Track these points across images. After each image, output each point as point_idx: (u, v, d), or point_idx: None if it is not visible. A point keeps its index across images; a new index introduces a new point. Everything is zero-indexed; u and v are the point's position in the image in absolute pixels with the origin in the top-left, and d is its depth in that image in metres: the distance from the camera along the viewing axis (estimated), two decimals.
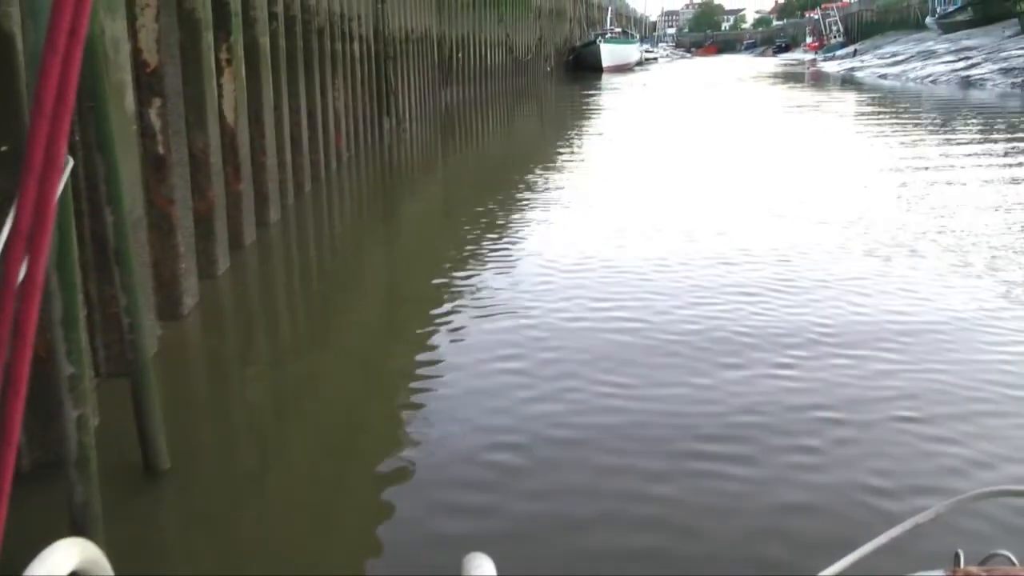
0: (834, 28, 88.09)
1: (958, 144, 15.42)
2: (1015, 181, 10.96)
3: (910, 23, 71.29)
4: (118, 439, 3.98)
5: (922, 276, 6.89)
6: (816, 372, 4.91)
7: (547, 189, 11.44)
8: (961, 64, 39.54)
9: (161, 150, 5.99)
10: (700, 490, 3.72)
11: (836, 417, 4.33)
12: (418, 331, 5.89)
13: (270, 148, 9.03)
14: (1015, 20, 45.81)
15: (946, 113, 22.28)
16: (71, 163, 3.16)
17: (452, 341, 5.58)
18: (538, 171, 13.25)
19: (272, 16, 9.53)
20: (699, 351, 5.27)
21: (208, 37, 7.18)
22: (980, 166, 12.34)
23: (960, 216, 8.97)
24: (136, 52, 5.74)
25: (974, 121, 19.81)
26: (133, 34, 5.71)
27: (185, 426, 4.39)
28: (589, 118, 23.92)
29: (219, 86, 7.60)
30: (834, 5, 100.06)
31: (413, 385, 4.93)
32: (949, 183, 10.87)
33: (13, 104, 3.80)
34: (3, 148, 3.80)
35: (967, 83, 34.96)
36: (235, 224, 7.78)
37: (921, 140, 15.98)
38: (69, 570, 0.89)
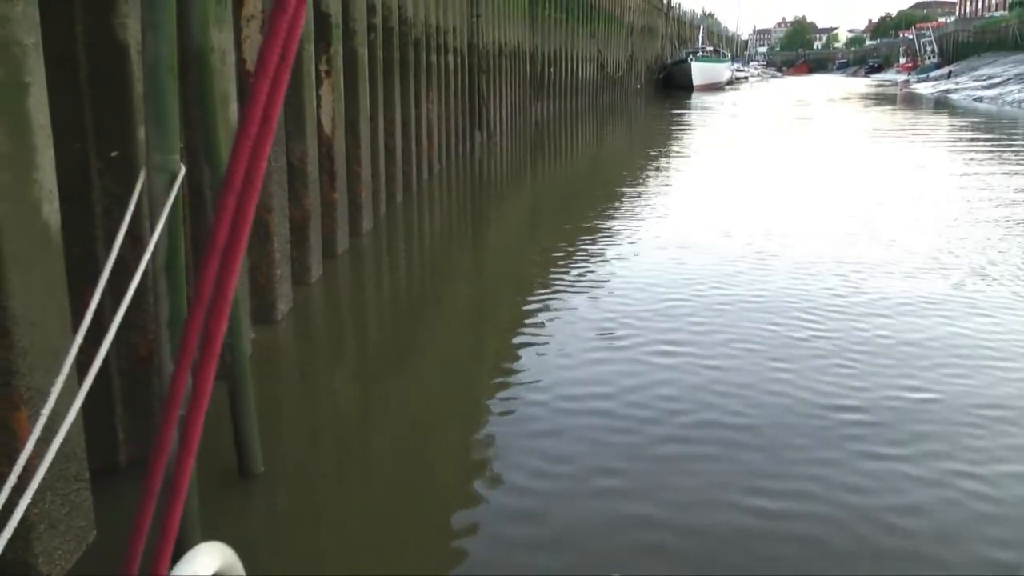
0: (928, 49, 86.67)
1: None
2: None
3: (1008, 44, 69.83)
4: (215, 441, 4.04)
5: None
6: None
7: (632, 210, 11.39)
8: None
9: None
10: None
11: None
12: (501, 349, 5.90)
13: (365, 158, 9.15)
14: None
15: None
16: (183, 170, 3.24)
17: (534, 364, 5.56)
18: (624, 191, 13.22)
19: (371, 27, 9.67)
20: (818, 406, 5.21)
21: (309, 48, 7.31)
22: None
23: None
24: (240, 63, 5.86)
25: None
26: (238, 45, 5.83)
27: (276, 430, 4.46)
28: (677, 138, 23.79)
29: (318, 96, 7.72)
30: (929, 25, 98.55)
31: (493, 403, 4.93)
32: None
33: (126, 112, 3.90)
34: (114, 153, 3.90)
35: None
36: (329, 232, 7.90)
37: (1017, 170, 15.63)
38: (212, 571, 0.91)
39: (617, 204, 11.64)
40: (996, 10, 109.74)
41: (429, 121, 12.87)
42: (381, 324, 6.89)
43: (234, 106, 5.46)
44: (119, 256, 2.89)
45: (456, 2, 15.34)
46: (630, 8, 45.85)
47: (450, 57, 14.71)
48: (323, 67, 7.90)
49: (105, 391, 3.96)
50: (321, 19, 7.78)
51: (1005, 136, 23.04)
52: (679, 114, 33.20)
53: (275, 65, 0.76)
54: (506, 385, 5.17)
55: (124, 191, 3.79)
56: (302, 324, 6.41)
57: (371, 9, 9.71)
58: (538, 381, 5.21)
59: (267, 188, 6.16)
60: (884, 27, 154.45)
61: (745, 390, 4.98)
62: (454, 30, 15.11)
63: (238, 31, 5.85)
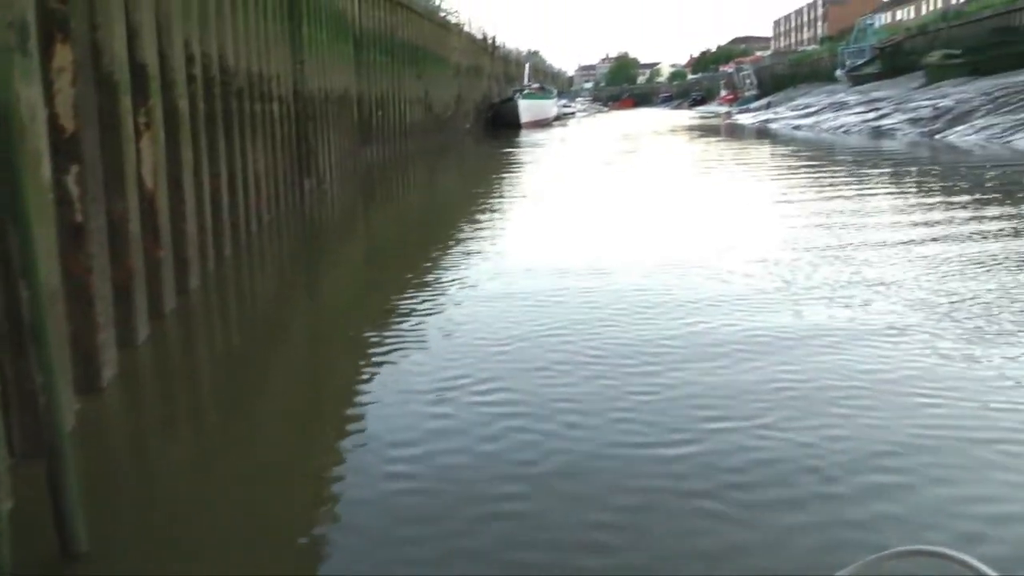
0: (748, 81, 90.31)
1: (871, 193, 15.70)
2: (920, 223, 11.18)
3: (821, 76, 73.42)
4: (35, 522, 3.79)
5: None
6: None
7: (467, 254, 11.37)
8: (872, 115, 40.68)
9: (79, 218, 5.82)
10: None
11: None
12: (338, 408, 5.75)
13: (190, 213, 8.86)
14: (921, 72, 47.34)
15: (858, 162, 22.72)
16: None
17: (374, 422, 5.41)
18: (458, 234, 13.23)
19: (191, 77, 9.41)
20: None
21: (126, 101, 7.04)
22: (891, 216, 12.56)
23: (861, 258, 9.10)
24: (53, 117, 5.59)
25: (886, 169, 20.21)
26: (50, 99, 5.56)
27: (103, 505, 4.21)
28: (508, 175, 24.00)
29: (137, 150, 7.44)
30: (747, 59, 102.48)
31: (334, 464, 4.78)
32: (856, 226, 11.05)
33: None
34: None
35: (878, 132, 35.92)
36: (155, 292, 7.59)
37: (833, 187, 16.24)
38: None
39: (452, 248, 11.58)
40: (808, 44, 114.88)
41: (256, 171, 12.60)
42: (213, 385, 6.62)
43: (47, 164, 5.19)
44: None
45: (279, 49, 15.15)
46: (455, 49, 46.22)
47: (275, 105, 14.49)
48: (142, 120, 7.62)
49: None
50: (137, 70, 7.51)
51: (825, 162, 23.97)
52: (509, 152, 33.50)
53: None
54: (345, 444, 5.02)
55: None
56: (130, 390, 6.12)
57: (190, 59, 9.46)
58: (377, 439, 5.07)
59: (86, 249, 5.88)
60: (705, 61, 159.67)
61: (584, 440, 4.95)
62: (278, 77, 14.91)
63: (48, 84, 5.57)
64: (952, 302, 7.57)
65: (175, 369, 6.96)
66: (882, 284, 8.34)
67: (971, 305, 7.45)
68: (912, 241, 10.57)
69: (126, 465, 5.07)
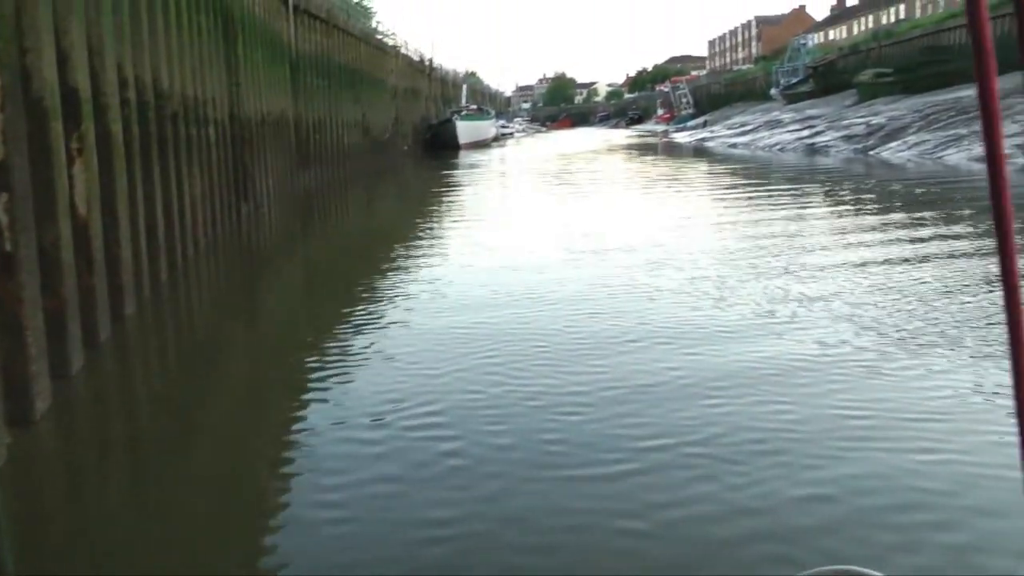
0: (684, 100, 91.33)
1: (807, 210, 15.87)
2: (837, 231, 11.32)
3: (756, 94, 74.51)
4: None
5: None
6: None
7: (406, 274, 11.33)
8: (806, 132, 41.30)
9: (9, 247, 5.69)
10: None
11: None
12: (278, 432, 5.67)
13: (124, 239, 8.71)
14: (854, 90, 48.14)
15: (793, 179, 22.96)
16: None
17: (317, 448, 5.34)
18: (396, 255, 13.18)
19: (124, 102, 9.28)
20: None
21: (57, 126, 6.91)
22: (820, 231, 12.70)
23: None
24: None
25: (821, 187, 20.46)
26: None
27: (34, 540, 4.10)
28: (447, 198, 23.95)
29: (70, 176, 7.29)
30: (684, 78, 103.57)
31: (274, 492, 4.70)
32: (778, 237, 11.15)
33: None
34: None
35: (812, 150, 36.47)
36: (89, 320, 7.43)
37: (769, 205, 16.39)
38: None
39: (389, 273, 11.49)
40: (743, 63, 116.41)
41: (192, 195, 12.45)
42: (149, 416, 6.49)
43: None
44: None
45: (214, 72, 15.01)
46: (392, 71, 46.16)
47: (211, 129, 14.34)
48: (74, 145, 7.48)
49: None
50: (69, 94, 7.38)
51: (761, 180, 24.21)
52: (447, 174, 33.46)
53: None
54: (283, 473, 4.93)
55: None
56: (64, 421, 5.98)
57: (123, 83, 9.32)
58: (313, 468, 4.99)
59: (17, 278, 5.75)
60: (641, 80, 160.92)
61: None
62: (214, 101, 14.77)
63: None
64: (881, 316, 7.66)
65: (110, 400, 6.82)
66: (816, 300, 8.44)
67: (898, 318, 7.56)
68: (847, 255, 10.72)
69: (58, 498, 4.93)
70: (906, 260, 10.35)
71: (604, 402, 5.78)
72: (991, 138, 0.89)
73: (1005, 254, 0.91)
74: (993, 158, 0.89)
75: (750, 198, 18.87)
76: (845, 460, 4.68)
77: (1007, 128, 26.77)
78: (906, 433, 5.04)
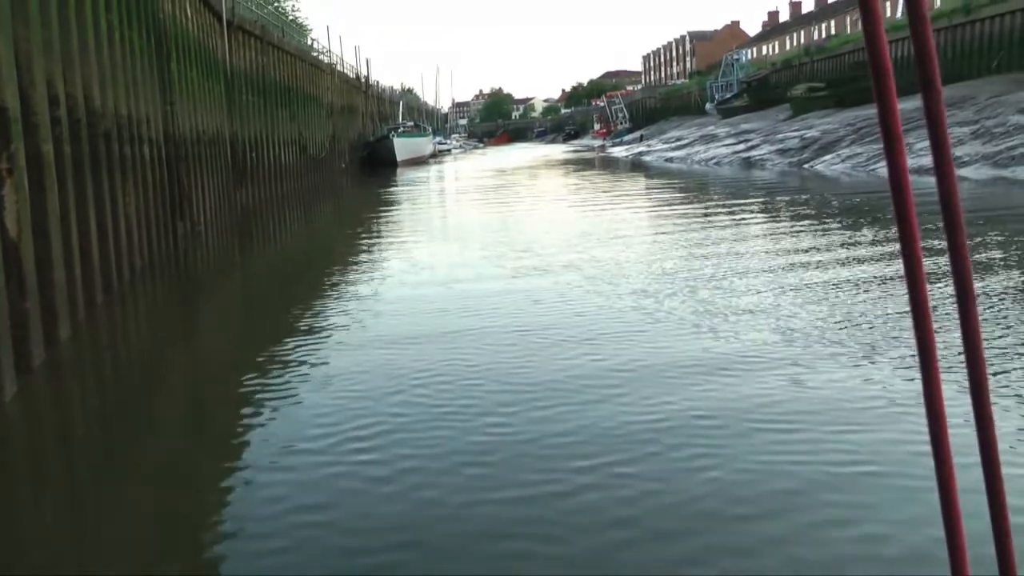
0: (620, 115, 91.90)
1: (744, 222, 15.93)
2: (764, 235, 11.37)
3: (691, 109, 75.22)
4: None
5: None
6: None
7: (344, 291, 11.20)
8: (742, 146, 41.70)
9: None
10: None
11: None
12: (219, 454, 5.52)
13: (58, 261, 8.45)
14: (787, 105, 48.72)
15: (730, 192, 23.10)
16: None
17: (262, 473, 5.20)
18: (335, 272, 13.02)
19: (55, 120, 9.02)
20: None
21: None
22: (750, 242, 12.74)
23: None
24: None
25: (757, 199, 20.60)
26: None
27: None
28: (386, 214, 23.81)
29: (0, 198, 7.05)
30: (619, 93, 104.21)
31: (213, 515, 4.56)
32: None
33: None
34: None
35: (748, 164, 36.81)
36: (22, 345, 7.18)
37: (706, 218, 16.43)
38: None
39: (328, 294, 11.30)
40: (678, 78, 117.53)
41: (127, 216, 12.16)
42: (86, 440, 6.26)
43: None
44: None
45: (147, 91, 14.73)
46: (328, 88, 45.91)
47: (145, 148, 14.05)
48: (3, 165, 7.23)
49: None
50: None
51: (698, 193, 24.35)
52: (386, 192, 33.27)
53: None
54: (225, 502, 4.77)
55: None
56: None
57: (53, 100, 9.05)
58: (251, 496, 4.85)
59: None
60: (577, 95, 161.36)
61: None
62: (147, 119, 14.49)
63: None
64: (813, 326, 7.70)
65: (46, 425, 6.59)
66: (751, 311, 8.47)
67: (831, 327, 7.57)
68: (779, 267, 10.80)
69: None
70: (838, 269, 10.40)
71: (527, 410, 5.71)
72: (894, 157, 0.89)
73: (910, 261, 0.91)
74: (897, 176, 0.90)
75: (686, 213, 18.96)
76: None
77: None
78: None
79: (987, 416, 0.90)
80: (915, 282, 0.90)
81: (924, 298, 0.90)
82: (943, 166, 0.88)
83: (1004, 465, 0.92)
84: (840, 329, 7.63)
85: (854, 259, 11.19)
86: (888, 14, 58.91)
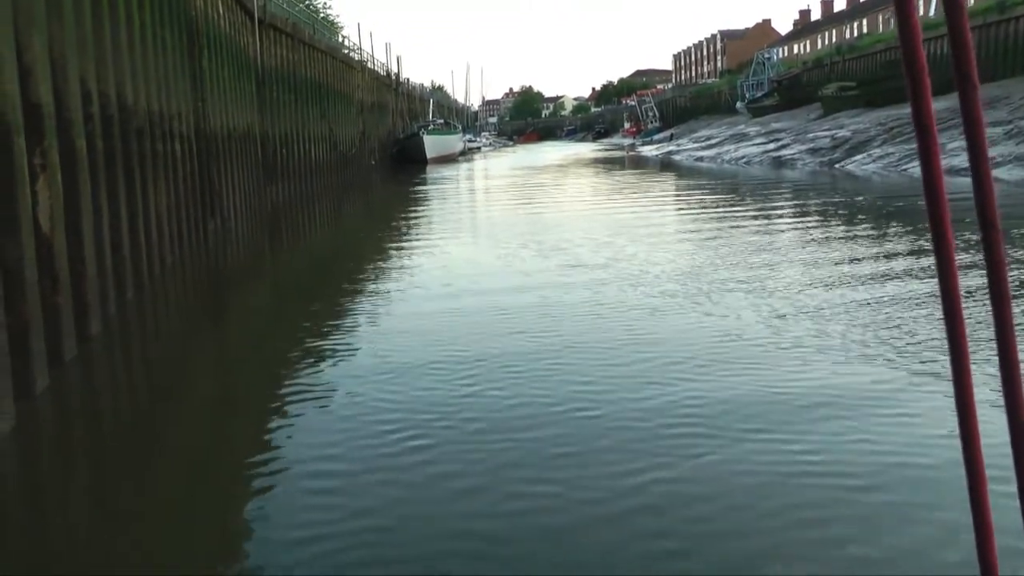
0: (650, 114, 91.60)
1: (777, 226, 15.88)
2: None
3: (722, 108, 74.95)
4: None
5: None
6: None
7: (375, 288, 11.23)
8: (772, 145, 41.49)
9: None
10: None
11: None
12: (246, 443, 5.58)
13: (90, 256, 8.55)
14: (818, 104, 48.44)
15: (761, 193, 23.01)
16: None
17: (272, 480, 5.22)
18: (365, 269, 13.06)
19: (88, 117, 9.12)
20: None
21: (20, 142, 6.77)
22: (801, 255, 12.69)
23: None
24: None
25: (786, 200, 20.51)
26: None
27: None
28: (415, 212, 23.84)
29: (33, 193, 7.14)
30: (649, 92, 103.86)
31: (243, 513, 4.60)
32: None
33: None
34: None
35: (779, 163, 36.62)
36: (54, 339, 7.27)
37: (739, 218, 16.38)
38: None
39: (358, 294, 11.33)
40: (708, 77, 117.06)
41: (158, 212, 12.27)
42: (116, 436, 6.32)
43: None
44: None
45: (179, 87, 14.85)
46: (359, 86, 46.03)
47: (177, 144, 14.16)
48: (37, 161, 7.32)
49: None
50: (31, 109, 7.23)
51: (730, 193, 24.26)
52: (415, 190, 33.28)
53: None
54: (258, 494, 4.82)
55: None
56: (27, 443, 5.83)
57: (87, 97, 9.16)
58: (296, 485, 4.90)
59: None
60: (607, 94, 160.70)
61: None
62: (179, 116, 14.60)
63: None
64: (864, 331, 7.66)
65: (76, 419, 6.67)
66: (780, 317, 8.41)
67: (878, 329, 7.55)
68: (818, 281, 10.71)
69: (22, 521, 4.79)
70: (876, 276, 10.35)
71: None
72: (928, 155, 0.89)
73: (944, 266, 0.90)
74: (931, 176, 0.89)
75: (718, 215, 18.85)
76: None
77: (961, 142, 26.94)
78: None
79: (1020, 417, 0.90)
80: (948, 285, 0.90)
81: (957, 297, 0.90)
82: (979, 164, 0.88)
83: None
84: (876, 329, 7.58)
85: (887, 262, 11.13)
86: (921, 12, 58.37)
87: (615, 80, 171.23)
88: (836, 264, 11.06)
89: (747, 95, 68.16)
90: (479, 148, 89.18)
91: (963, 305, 0.92)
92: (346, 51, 45.54)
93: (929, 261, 10.88)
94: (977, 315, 7.20)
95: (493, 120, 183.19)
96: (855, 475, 4.64)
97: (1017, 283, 9.28)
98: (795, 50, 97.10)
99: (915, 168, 27.00)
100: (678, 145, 59.41)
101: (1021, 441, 0.91)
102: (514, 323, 8.61)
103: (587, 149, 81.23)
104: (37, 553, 4.34)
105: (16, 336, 6.36)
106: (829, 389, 6.11)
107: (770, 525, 4.15)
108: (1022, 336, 1.30)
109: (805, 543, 3.99)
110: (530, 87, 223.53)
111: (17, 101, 6.84)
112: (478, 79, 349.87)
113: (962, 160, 19.67)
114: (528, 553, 4.02)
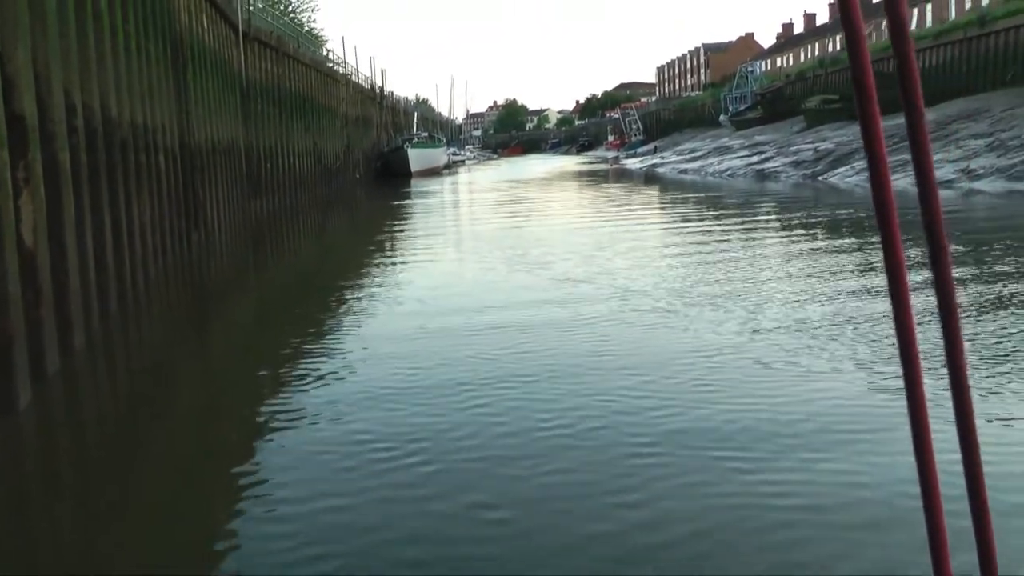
0: (634, 127, 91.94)
1: (761, 239, 15.91)
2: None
3: (705, 121, 75.22)
4: None
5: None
6: None
7: (357, 304, 11.18)
8: (755, 158, 41.66)
9: None
10: None
11: None
12: (231, 456, 5.55)
13: (73, 270, 8.49)
14: (801, 116, 48.67)
15: (745, 205, 23.06)
16: None
17: (277, 486, 5.19)
18: (349, 284, 13.03)
19: (72, 129, 9.07)
20: None
21: (3, 154, 6.73)
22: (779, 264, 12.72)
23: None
24: None
25: (772, 212, 20.58)
26: None
27: None
28: (399, 225, 23.82)
29: (16, 207, 7.08)
30: (633, 105, 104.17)
31: (229, 531, 4.57)
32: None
33: None
34: None
35: (762, 176, 36.77)
36: (37, 353, 7.21)
37: (723, 231, 16.41)
38: None
39: (342, 302, 11.32)
40: (692, 90, 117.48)
41: (142, 224, 12.21)
42: (99, 449, 6.28)
43: None
44: None
45: (163, 100, 14.80)
46: (343, 99, 46.05)
47: (161, 157, 14.12)
48: (20, 175, 7.26)
49: None
50: (15, 121, 7.18)
51: (713, 206, 24.31)
52: (400, 204, 33.22)
53: None
54: (241, 503, 4.78)
55: None
56: (10, 459, 5.77)
57: (71, 110, 9.11)
58: (277, 494, 4.86)
59: None
60: (591, 107, 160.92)
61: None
62: (163, 128, 14.55)
63: None
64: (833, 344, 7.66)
65: (60, 434, 6.60)
66: (780, 331, 8.42)
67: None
68: (800, 295, 10.72)
69: (7, 532, 4.73)
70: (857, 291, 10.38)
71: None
72: (877, 168, 0.92)
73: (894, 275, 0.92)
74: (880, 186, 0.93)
75: (701, 228, 18.88)
76: None
77: (951, 153, 27.18)
78: None
79: (970, 426, 0.91)
80: (899, 296, 0.91)
81: (907, 307, 0.91)
82: (927, 187, 0.89)
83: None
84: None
85: (870, 276, 11.16)
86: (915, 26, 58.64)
87: (599, 93, 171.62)
88: (816, 277, 11.09)
89: (731, 108, 68.43)
90: (463, 161, 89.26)
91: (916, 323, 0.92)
92: (331, 64, 45.55)
93: (916, 276, 10.94)
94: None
95: (477, 133, 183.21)
96: (830, 495, 4.61)
97: (1004, 296, 9.30)
98: (778, 63, 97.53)
99: (897, 180, 27.14)
100: (662, 158, 59.59)
101: (972, 458, 0.92)
102: (496, 340, 8.55)
103: (571, 162, 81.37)
104: (23, 564, 4.29)
105: None
106: (808, 406, 6.10)
107: (743, 549, 4.14)
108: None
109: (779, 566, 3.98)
110: (514, 100, 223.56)
111: (0, 113, 6.80)
112: (462, 92, 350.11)
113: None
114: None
